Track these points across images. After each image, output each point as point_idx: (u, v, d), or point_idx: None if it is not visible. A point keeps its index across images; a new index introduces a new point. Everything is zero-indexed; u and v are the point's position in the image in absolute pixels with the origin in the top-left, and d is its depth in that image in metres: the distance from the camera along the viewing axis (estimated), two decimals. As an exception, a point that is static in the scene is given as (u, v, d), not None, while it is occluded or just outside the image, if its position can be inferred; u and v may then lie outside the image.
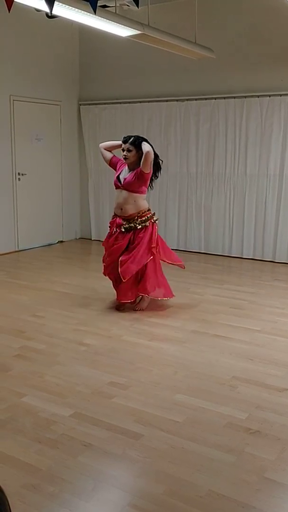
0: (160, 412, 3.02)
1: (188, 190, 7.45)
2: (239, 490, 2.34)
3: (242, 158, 6.93)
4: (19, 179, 7.39)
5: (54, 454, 2.60)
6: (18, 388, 3.31)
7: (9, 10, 1.74)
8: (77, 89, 8.21)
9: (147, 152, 4.44)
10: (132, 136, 4.60)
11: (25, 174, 7.45)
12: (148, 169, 4.53)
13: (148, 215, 4.71)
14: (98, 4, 3.10)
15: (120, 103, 7.73)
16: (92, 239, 8.43)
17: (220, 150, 7.07)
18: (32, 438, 2.74)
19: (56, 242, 8.19)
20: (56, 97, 7.83)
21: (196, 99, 7.10)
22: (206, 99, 7.03)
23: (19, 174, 7.37)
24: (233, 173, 7.05)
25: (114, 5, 5.39)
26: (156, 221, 4.78)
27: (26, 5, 4.08)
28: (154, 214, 4.81)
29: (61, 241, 8.28)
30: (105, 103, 7.88)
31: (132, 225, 4.64)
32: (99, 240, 8.21)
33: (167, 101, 7.32)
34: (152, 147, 4.56)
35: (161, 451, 2.64)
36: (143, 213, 4.68)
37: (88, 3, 1.80)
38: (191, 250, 7.55)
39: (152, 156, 4.51)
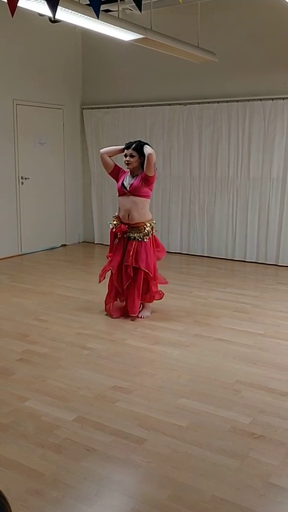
0: (163, 416, 3.01)
1: (191, 194, 7.45)
2: (243, 495, 2.32)
3: (245, 162, 6.93)
4: (22, 183, 7.40)
5: (57, 459, 2.59)
6: (21, 392, 3.30)
7: (12, 15, 1.74)
8: (80, 93, 8.22)
9: (149, 154, 4.42)
10: (134, 142, 4.60)
11: (28, 178, 7.46)
12: (152, 172, 4.50)
13: (151, 227, 4.69)
14: (101, 9, 3.11)
15: (122, 107, 7.74)
16: (95, 242, 8.43)
17: (223, 153, 7.07)
18: (35, 443, 2.73)
19: (59, 245, 8.19)
20: (59, 101, 7.85)
21: (199, 103, 7.11)
22: (208, 102, 7.03)
23: (22, 178, 7.39)
24: (236, 176, 7.04)
25: (117, 9, 5.39)
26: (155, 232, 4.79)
27: (29, 10, 4.09)
28: (154, 224, 4.80)
29: (64, 245, 8.28)
30: (107, 107, 7.90)
31: (137, 235, 4.59)
32: (101, 244, 8.22)
33: (169, 104, 7.33)
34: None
35: (164, 455, 2.63)
36: (149, 224, 4.65)
37: (91, 7, 1.80)
38: (194, 254, 7.53)
39: (155, 158, 4.50)
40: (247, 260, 7.13)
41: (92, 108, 8.08)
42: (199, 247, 7.52)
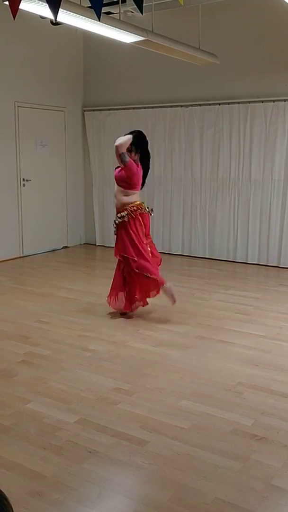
0: (165, 418, 3.00)
1: (193, 196, 7.45)
2: (245, 498, 2.32)
3: (246, 164, 6.93)
4: (23, 185, 7.41)
5: (59, 461, 2.58)
6: (23, 394, 3.30)
7: (14, 18, 1.75)
8: (81, 95, 8.24)
9: (115, 146, 4.56)
10: (133, 133, 4.67)
11: (30, 180, 7.47)
12: (120, 164, 4.59)
13: (130, 209, 4.66)
14: (103, 11, 3.11)
15: (124, 109, 7.75)
16: (97, 244, 8.43)
17: (225, 155, 7.07)
18: (37, 445, 2.72)
19: (60, 247, 8.19)
20: (60, 103, 7.86)
21: (200, 105, 7.11)
22: (210, 104, 7.04)
23: (23, 180, 7.39)
24: (237, 178, 7.04)
25: (118, 11, 5.41)
26: (143, 211, 4.73)
27: (31, 13, 4.10)
28: (138, 207, 4.72)
29: (66, 247, 8.29)
30: (109, 109, 7.91)
31: (116, 220, 4.72)
32: (103, 246, 8.23)
33: (171, 106, 7.33)
34: (135, 140, 4.61)
35: (166, 457, 2.62)
36: (128, 206, 4.67)
37: (93, 9, 1.81)
38: (195, 256, 7.53)
39: (119, 149, 4.54)
40: (248, 262, 7.13)
41: (93, 110, 8.09)
42: (201, 248, 7.51)
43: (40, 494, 2.34)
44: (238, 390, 3.36)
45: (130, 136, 4.62)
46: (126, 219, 4.64)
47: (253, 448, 2.71)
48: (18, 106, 7.18)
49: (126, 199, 4.70)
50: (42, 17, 5.59)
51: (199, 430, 2.88)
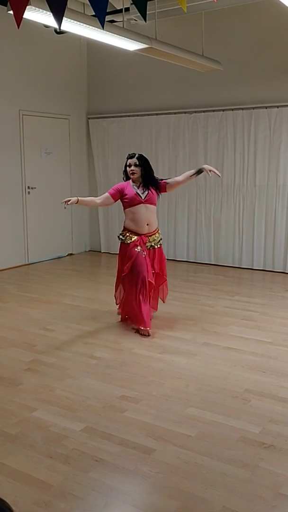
0: (172, 426, 2.98)
1: (197, 202, 7.44)
2: (254, 507, 2.29)
3: (251, 169, 6.92)
4: (28, 192, 7.43)
5: (65, 470, 2.57)
6: (29, 402, 3.29)
7: (18, 26, 1.76)
8: (86, 102, 8.27)
9: (183, 182, 4.85)
10: (135, 153, 4.67)
11: (35, 188, 7.49)
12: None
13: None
14: (106, 19, 3.13)
15: (128, 116, 7.77)
16: (102, 251, 8.43)
17: (229, 161, 7.07)
18: (43, 453, 2.71)
19: (65, 255, 8.20)
20: (64, 111, 7.90)
21: (204, 111, 7.12)
22: (214, 111, 7.04)
23: (28, 187, 7.42)
24: (242, 184, 7.04)
25: (121, 19, 5.44)
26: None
27: (35, 21, 4.13)
28: None
29: (71, 254, 8.29)
30: (113, 117, 7.93)
31: (153, 244, 4.68)
32: (108, 253, 8.23)
33: (175, 113, 7.35)
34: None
35: (173, 466, 2.60)
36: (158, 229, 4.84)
37: (96, 18, 1.82)
38: (201, 262, 7.52)
39: None
40: (254, 268, 7.10)
41: (97, 118, 8.12)
42: (206, 255, 7.50)
43: (46, 503, 2.32)
44: (245, 397, 3.34)
45: None
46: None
47: (261, 456, 2.68)
48: (22, 114, 7.21)
49: None
50: (46, 26, 5.64)
51: (206, 438, 2.86)
